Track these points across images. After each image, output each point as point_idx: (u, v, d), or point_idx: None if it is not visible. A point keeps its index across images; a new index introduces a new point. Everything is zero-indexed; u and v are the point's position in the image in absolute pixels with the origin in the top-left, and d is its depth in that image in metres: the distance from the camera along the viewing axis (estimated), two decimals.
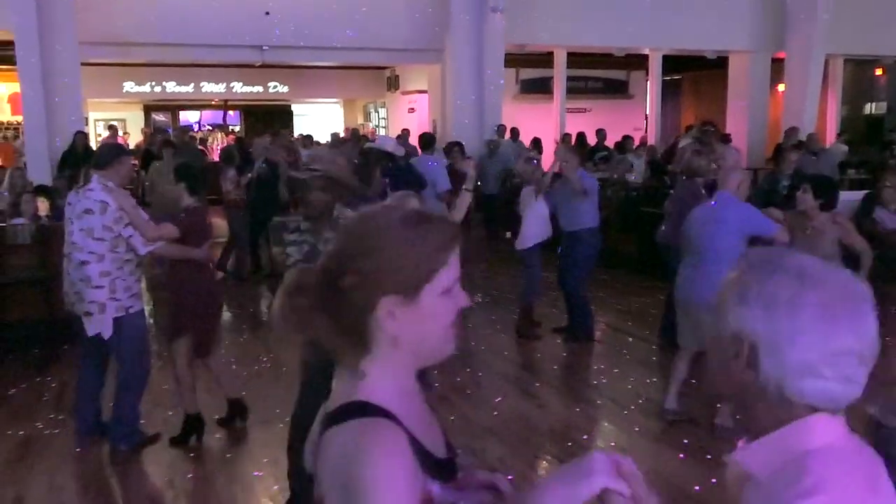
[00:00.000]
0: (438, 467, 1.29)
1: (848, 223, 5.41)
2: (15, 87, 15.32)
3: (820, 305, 1.16)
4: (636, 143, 14.52)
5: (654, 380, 6.33)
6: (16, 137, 17.53)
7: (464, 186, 4.74)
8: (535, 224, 7.13)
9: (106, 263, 4.76)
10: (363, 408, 1.25)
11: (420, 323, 1.29)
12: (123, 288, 4.82)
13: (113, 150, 5.54)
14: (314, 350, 1.36)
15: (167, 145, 11.73)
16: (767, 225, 4.96)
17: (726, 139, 12.92)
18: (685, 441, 5.04)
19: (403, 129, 15.76)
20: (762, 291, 1.19)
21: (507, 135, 13.77)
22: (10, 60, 11.88)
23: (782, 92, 16.68)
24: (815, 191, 5.18)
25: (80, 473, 4.81)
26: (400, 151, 8.01)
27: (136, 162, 11.70)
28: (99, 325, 4.81)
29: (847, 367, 1.17)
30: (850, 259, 5.10)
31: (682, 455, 4.84)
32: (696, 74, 20.85)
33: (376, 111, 22.91)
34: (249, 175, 10.11)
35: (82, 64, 12.00)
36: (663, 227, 6.96)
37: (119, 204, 4.75)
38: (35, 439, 5.25)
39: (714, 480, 4.44)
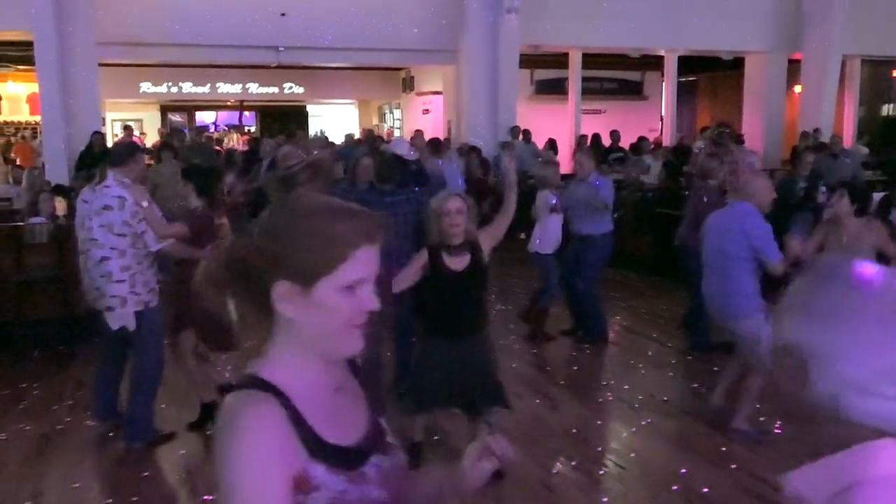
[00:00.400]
0: (330, 452, 1.31)
1: (882, 228, 5.35)
2: (33, 88, 15.47)
3: (882, 318, 1.05)
4: (651, 144, 14.49)
5: (669, 381, 6.32)
6: (34, 137, 17.69)
7: (506, 189, 4.67)
8: (546, 233, 7.14)
9: (127, 258, 4.87)
10: (253, 381, 1.31)
11: (316, 314, 1.31)
12: (142, 282, 4.94)
13: (128, 147, 5.63)
14: None
15: (166, 148, 11.17)
16: (771, 251, 4.80)
17: (739, 141, 12.88)
18: (699, 442, 5.02)
19: (416, 131, 15.77)
20: (819, 301, 1.11)
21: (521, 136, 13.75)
22: (29, 61, 12.00)
23: (799, 93, 16.59)
24: (851, 196, 5.11)
25: (96, 470, 4.85)
26: (413, 155, 8.02)
27: (152, 162, 11.70)
28: (121, 319, 4.93)
29: None
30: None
31: (695, 456, 4.83)
32: (711, 75, 20.75)
33: (391, 112, 22.94)
34: (250, 176, 10.17)
35: (99, 64, 12.09)
36: (681, 229, 6.97)
37: (135, 199, 4.85)
38: (52, 436, 5.30)
39: (701, 481, 4.44)
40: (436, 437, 5.07)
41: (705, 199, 6.47)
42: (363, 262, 1.31)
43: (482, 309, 4.47)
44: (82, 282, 5.12)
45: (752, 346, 4.84)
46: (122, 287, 4.87)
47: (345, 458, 1.34)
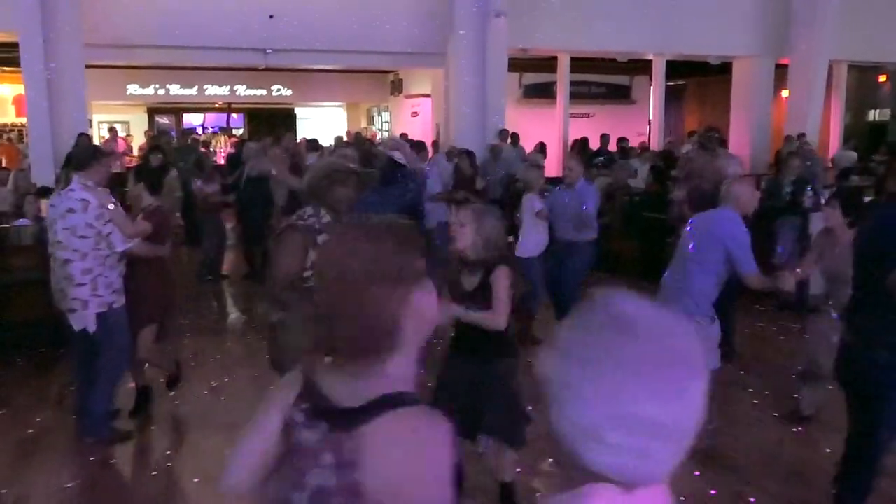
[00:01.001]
0: None
1: None
2: (19, 89, 15.37)
3: (620, 362, 0.99)
4: (636, 147, 14.54)
5: None
6: (20, 139, 17.58)
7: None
8: (529, 237, 7.14)
9: (88, 261, 4.94)
10: (403, 398, 1.33)
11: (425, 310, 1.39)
12: (105, 284, 5.00)
13: (91, 151, 5.71)
14: None
15: (156, 151, 10.82)
16: (747, 262, 4.70)
17: (722, 145, 12.95)
18: None
19: (401, 134, 15.78)
20: (568, 336, 1.07)
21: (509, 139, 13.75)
22: (15, 62, 11.92)
23: (786, 98, 16.68)
24: (844, 208, 4.98)
25: (82, 473, 4.81)
26: (408, 158, 8.04)
27: (138, 162, 11.65)
28: (83, 321, 5.01)
29: (641, 438, 1.00)
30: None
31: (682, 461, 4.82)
32: (699, 80, 20.84)
33: (380, 115, 22.92)
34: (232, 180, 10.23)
35: (86, 66, 12.02)
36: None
37: (100, 201, 4.93)
38: (37, 439, 5.27)
39: (714, 492, 4.45)
40: None
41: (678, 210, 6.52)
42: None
43: (498, 335, 3.88)
44: (51, 283, 5.21)
45: None
46: (83, 290, 4.95)
47: None
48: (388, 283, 1.33)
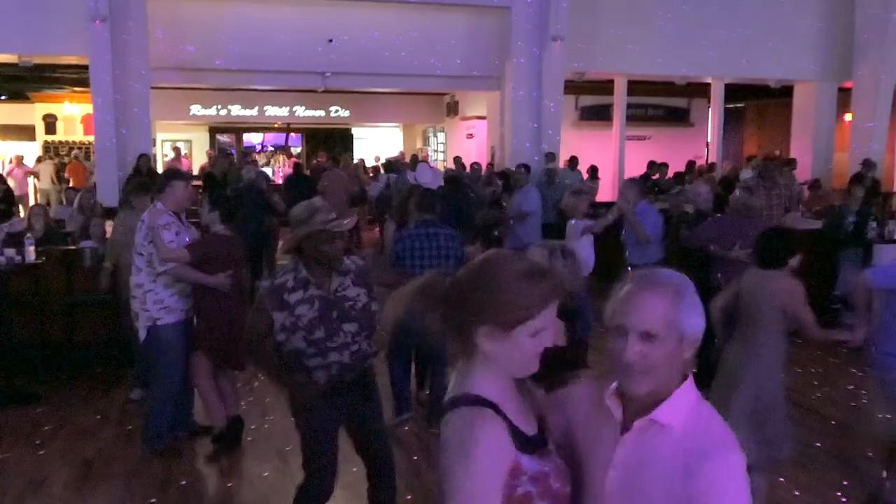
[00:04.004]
0: (528, 442, 1.66)
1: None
2: (88, 109, 15.89)
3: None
4: (694, 171, 14.32)
5: None
6: (87, 157, 18.13)
7: None
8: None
9: (142, 276, 5.23)
10: (472, 399, 1.65)
11: (510, 350, 1.66)
12: (154, 300, 5.22)
13: (165, 175, 5.92)
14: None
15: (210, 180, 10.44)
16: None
17: (790, 164, 12.87)
18: None
19: (455, 157, 15.88)
20: None
21: (563, 163, 13.64)
22: (85, 83, 12.32)
23: (849, 122, 16.29)
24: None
25: (143, 492, 4.89)
26: (434, 183, 8.00)
27: (199, 183, 11.72)
28: (139, 332, 5.33)
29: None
30: None
31: None
32: (759, 103, 20.51)
33: (435, 136, 23.07)
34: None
35: (151, 87, 12.36)
36: None
37: (150, 222, 5.15)
38: (99, 458, 5.39)
39: None
40: None
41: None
42: (549, 315, 1.67)
43: None
44: None
45: None
46: (135, 303, 5.30)
47: (535, 444, 1.68)
48: (462, 306, 1.72)
